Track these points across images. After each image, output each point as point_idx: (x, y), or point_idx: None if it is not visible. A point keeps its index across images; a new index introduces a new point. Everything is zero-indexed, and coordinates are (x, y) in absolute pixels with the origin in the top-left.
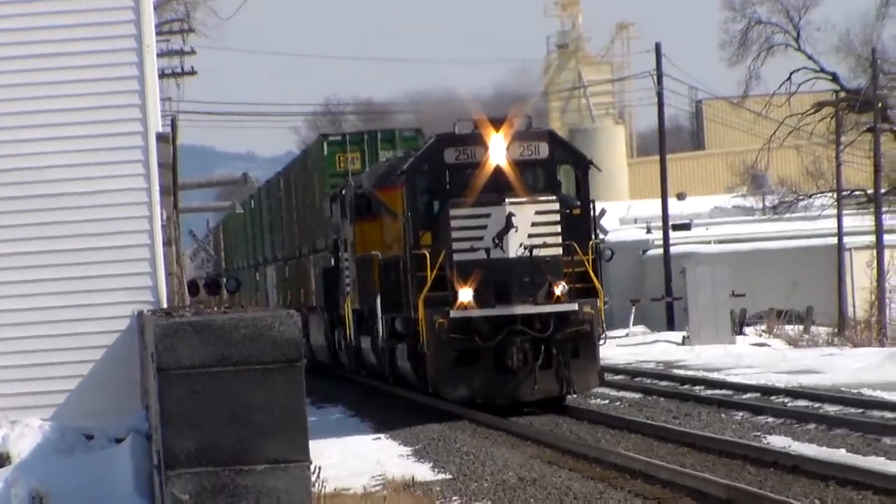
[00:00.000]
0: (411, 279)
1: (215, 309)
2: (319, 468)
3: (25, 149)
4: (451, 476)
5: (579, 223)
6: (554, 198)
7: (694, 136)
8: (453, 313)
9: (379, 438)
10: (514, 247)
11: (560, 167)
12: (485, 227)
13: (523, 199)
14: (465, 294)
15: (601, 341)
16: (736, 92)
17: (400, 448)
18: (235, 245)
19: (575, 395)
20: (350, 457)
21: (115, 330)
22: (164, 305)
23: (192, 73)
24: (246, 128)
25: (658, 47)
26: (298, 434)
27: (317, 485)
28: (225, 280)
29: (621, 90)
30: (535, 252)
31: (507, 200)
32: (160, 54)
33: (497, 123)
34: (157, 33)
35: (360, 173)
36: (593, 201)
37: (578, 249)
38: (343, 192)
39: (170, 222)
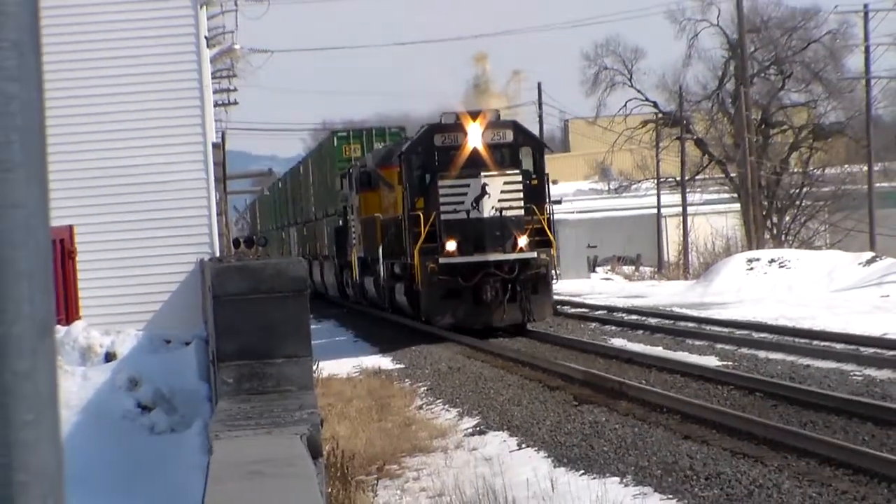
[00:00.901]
0: (408, 234)
1: (251, 257)
2: (319, 361)
3: (134, 153)
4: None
5: (536, 191)
6: (518, 171)
7: (563, 143)
8: (441, 259)
9: (375, 351)
10: (488, 209)
11: (521, 149)
12: (465, 194)
13: (494, 173)
14: (451, 245)
15: (554, 281)
16: (591, 113)
17: (374, 350)
18: (267, 214)
19: (534, 322)
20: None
21: (185, 271)
22: (217, 254)
23: (235, 103)
24: (271, 138)
25: (539, 85)
26: (304, 338)
27: (316, 372)
28: (257, 238)
29: (515, 115)
30: (504, 213)
31: (482, 174)
32: (214, 91)
33: (474, 115)
34: (213, 77)
35: (365, 156)
36: (547, 175)
37: (537, 211)
38: (350, 171)
39: (221, 200)
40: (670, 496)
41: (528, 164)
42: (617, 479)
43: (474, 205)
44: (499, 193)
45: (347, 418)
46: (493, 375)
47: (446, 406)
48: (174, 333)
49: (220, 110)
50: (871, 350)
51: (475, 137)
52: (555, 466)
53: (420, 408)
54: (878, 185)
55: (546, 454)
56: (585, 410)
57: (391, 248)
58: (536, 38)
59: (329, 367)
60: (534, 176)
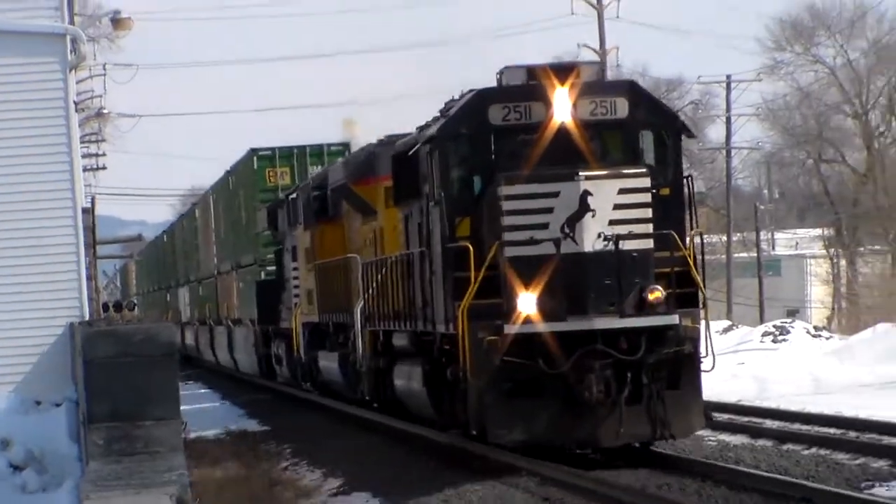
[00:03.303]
0: (441, 282)
1: (121, 321)
2: (186, 422)
3: (2, 217)
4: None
5: (669, 207)
6: (644, 170)
7: None
8: (510, 329)
9: None
10: (591, 237)
11: (643, 132)
12: (550, 210)
13: (603, 173)
14: (527, 302)
15: (707, 367)
16: None
17: None
18: (144, 276)
19: (672, 439)
20: None
21: (55, 333)
22: (87, 318)
23: (104, 168)
24: (140, 204)
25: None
26: (173, 401)
27: (184, 434)
28: (125, 303)
29: None
30: (622, 245)
31: (581, 174)
32: (83, 156)
33: (562, 73)
34: (81, 141)
35: (323, 171)
36: (689, 177)
37: (678, 241)
38: (291, 198)
39: (91, 265)
40: None
41: (652, 156)
42: None
43: (567, 230)
44: (610, 210)
45: None
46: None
47: None
48: (45, 395)
49: (89, 175)
50: (726, 416)
51: (564, 110)
52: None
53: None
54: (736, 255)
55: None
56: None
57: (381, 308)
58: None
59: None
60: (665, 180)
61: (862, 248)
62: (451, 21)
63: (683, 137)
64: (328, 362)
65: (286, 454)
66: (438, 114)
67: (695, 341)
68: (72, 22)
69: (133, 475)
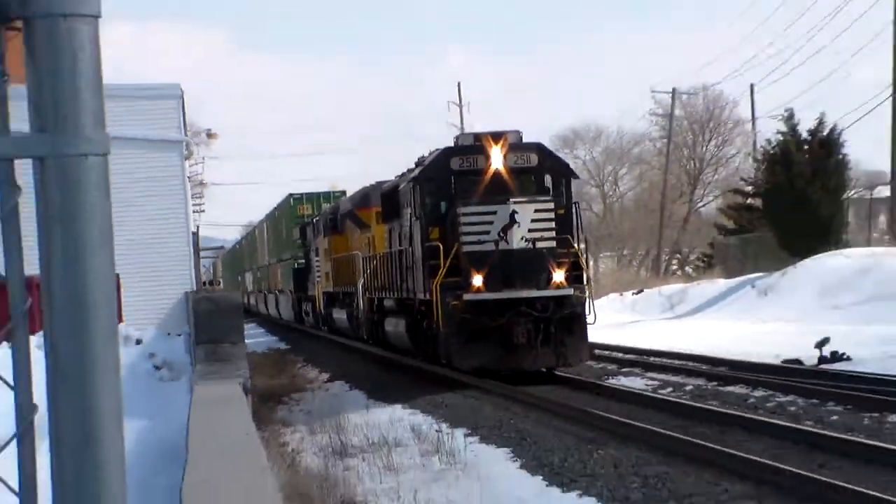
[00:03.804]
0: (423, 267)
1: (212, 291)
2: (246, 343)
3: (157, 241)
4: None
5: (565, 222)
6: (550, 198)
7: None
8: (467, 296)
9: (387, 402)
10: (517, 239)
11: (547, 174)
12: (491, 222)
13: (524, 199)
14: (477, 279)
15: (591, 322)
16: None
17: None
18: (227, 267)
19: (569, 366)
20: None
21: (178, 297)
22: (194, 289)
23: (203, 211)
24: (222, 228)
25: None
26: (240, 333)
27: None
28: (213, 281)
29: None
30: (537, 244)
31: (511, 200)
32: (193, 206)
33: (495, 137)
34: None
35: (339, 202)
36: (576, 204)
37: (572, 242)
38: (315, 220)
39: (196, 262)
40: None
41: (553, 191)
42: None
43: (502, 235)
44: (529, 222)
45: None
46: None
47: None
48: (173, 329)
49: (196, 215)
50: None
51: (497, 160)
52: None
53: None
54: None
55: None
56: None
57: (375, 283)
58: None
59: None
60: (562, 204)
61: (602, 254)
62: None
63: (572, 179)
64: (339, 315)
65: (301, 361)
66: (415, 164)
67: (583, 305)
68: (186, 134)
69: (219, 373)
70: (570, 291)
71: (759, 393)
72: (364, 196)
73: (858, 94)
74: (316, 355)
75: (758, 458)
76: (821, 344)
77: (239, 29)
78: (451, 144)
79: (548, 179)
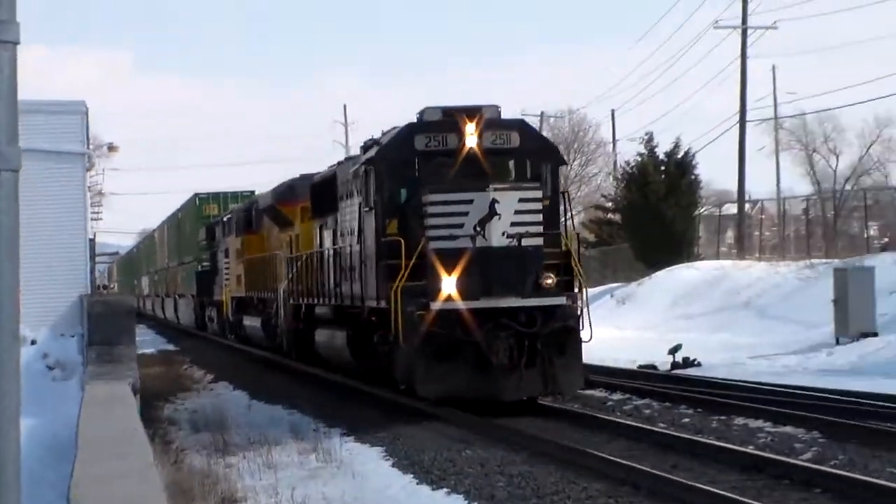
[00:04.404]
0: (377, 268)
1: (106, 294)
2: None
3: (56, 243)
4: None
5: (551, 214)
6: (538, 185)
7: None
8: (435, 305)
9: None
10: (498, 235)
11: (530, 157)
12: (466, 213)
13: (507, 185)
14: (449, 284)
15: (586, 339)
16: None
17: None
18: (122, 271)
19: (561, 395)
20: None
21: (74, 299)
22: (89, 292)
23: (101, 219)
24: (116, 235)
25: None
26: (131, 336)
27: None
28: (107, 286)
29: None
30: (523, 242)
31: (491, 186)
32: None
33: (470, 112)
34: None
35: (256, 197)
36: (566, 194)
37: (566, 239)
38: (226, 219)
39: (92, 267)
40: None
41: (537, 177)
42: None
43: (479, 229)
44: (512, 214)
45: None
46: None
47: None
48: (66, 330)
49: (93, 222)
50: None
51: (473, 139)
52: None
53: None
54: None
55: None
56: None
57: (303, 288)
58: None
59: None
60: (548, 194)
61: None
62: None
63: (559, 167)
64: (252, 323)
65: (188, 362)
66: (361, 148)
67: (577, 318)
68: (88, 147)
69: (110, 373)
70: (563, 300)
71: (617, 396)
72: (288, 189)
73: (710, 121)
74: (202, 356)
75: (615, 459)
76: (673, 350)
77: (140, 50)
78: (414, 120)
79: (531, 164)
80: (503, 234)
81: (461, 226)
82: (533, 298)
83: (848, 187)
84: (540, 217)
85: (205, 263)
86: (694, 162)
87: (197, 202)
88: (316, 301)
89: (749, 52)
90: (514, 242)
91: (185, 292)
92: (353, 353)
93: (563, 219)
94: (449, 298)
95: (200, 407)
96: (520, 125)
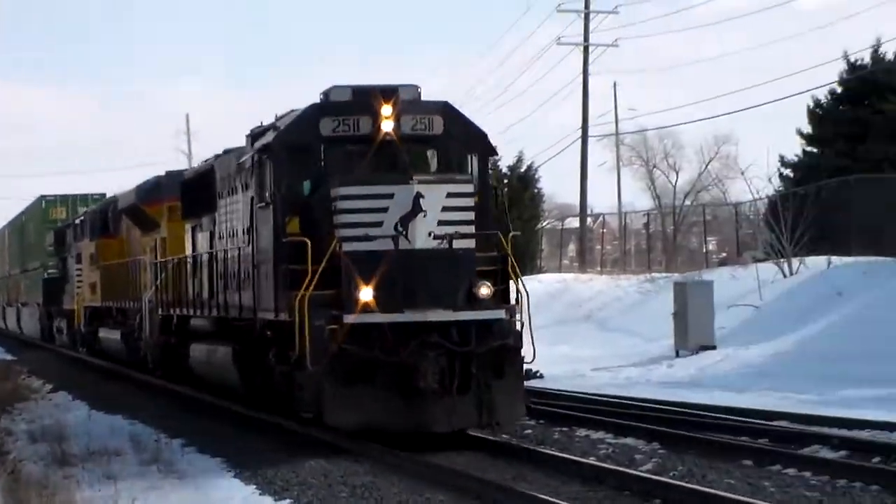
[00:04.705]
0: (276, 274)
1: None
2: None
3: None
4: None
5: (480, 213)
6: (469, 178)
7: None
8: (350, 318)
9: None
10: (423, 236)
11: (454, 146)
12: (384, 209)
13: (434, 178)
14: (366, 293)
15: (528, 361)
16: None
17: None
18: None
19: (498, 426)
20: None
21: None
22: None
23: None
24: None
25: None
26: None
27: None
28: None
29: None
30: (453, 243)
31: (415, 178)
32: None
33: (386, 92)
34: None
35: (104, 202)
36: (498, 189)
37: (503, 241)
38: (79, 221)
39: None
40: None
41: (463, 168)
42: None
43: (401, 228)
44: (439, 211)
45: None
46: None
47: None
48: None
49: None
50: None
51: (389, 123)
52: None
53: None
54: None
55: None
56: None
57: (173, 297)
58: None
59: None
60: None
61: None
62: None
63: (489, 157)
64: (110, 335)
65: (26, 372)
66: (249, 136)
67: (517, 335)
68: None
69: None
70: (501, 314)
71: None
72: (153, 188)
73: (553, 136)
74: (44, 368)
75: (459, 469)
76: None
77: None
78: (318, 101)
79: (455, 153)
80: (429, 234)
81: (379, 224)
82: (466, 311)
83: (687, 203)
84: (472, 215)
85: (51, 271)
86: (537, 176)
87: (43, 205)
88: (191, 312)
89: (591, 69)
90: (444, 244)
91: (30, 301)
92: (241, 373)
93: (500, 217)
94: (366, 310)
95: (38, 417)
96: (443, 108)
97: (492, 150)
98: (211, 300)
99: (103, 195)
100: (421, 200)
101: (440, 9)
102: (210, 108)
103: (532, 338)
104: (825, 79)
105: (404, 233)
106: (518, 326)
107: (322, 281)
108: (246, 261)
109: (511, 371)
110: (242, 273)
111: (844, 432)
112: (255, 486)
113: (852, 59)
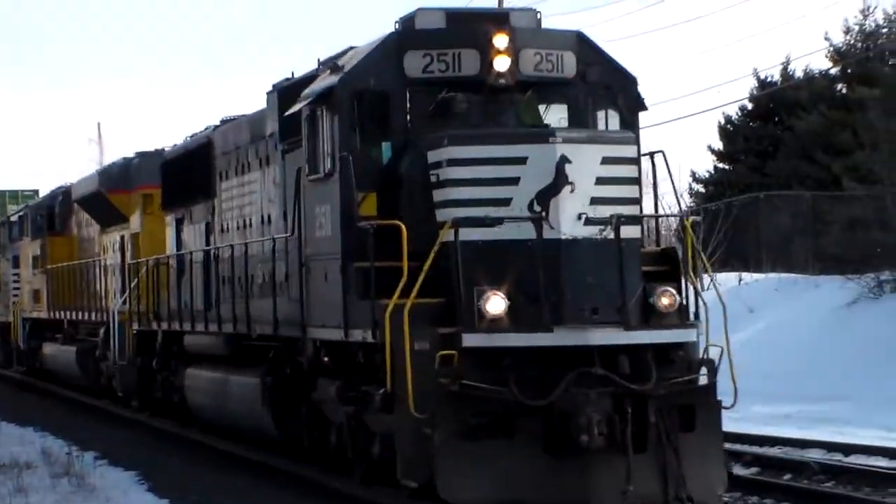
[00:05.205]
0: (344, 274)
1: None
2: None
3: None
4: None
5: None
6: (631, 136)
7: None
8: (473, 339)
9: None
10: (569, 219)
11: (594, 94)
12: (514, 180)
13: (585, 135)
14: (496, 304)
15: (727, 405)
16: None
17: None
18: None
19: None
20: None
21: None
22: None
23: None
24: None
25: None
26: None
27: None
28: None
29: None
30: (609, 231)
31: (558, 134)
32: None
33: (496, 18)
34: None
35: (51, 192)
36: (662, 152)
37: (689, 228)
38: (17, 217)
39: None
40: None
41: (602, 126)
42: None
43: (538, 208)
44: (592, 184)
45: None
46: None
47: None
48: None
49: None
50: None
51: (504, 61)
52: None
53: None
54: None
55: None
56: None
57: (159, 307)
58: None
59: None
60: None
61: None
62: None
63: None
64: (60, 353)
65: None
66: (271, 94)
67: (711, 365)
68: None
69: None
70: (693, 334)
71: None
72: (122, 171)
73: None
74: None
75: None
76: None
77: None
78: (395, 28)
79: (594, 104)
80: (579, 216)
81: (506, 202)
82: (643, 330)
83: None
84: (636, 190)
85: None
86: None
87: None
88: (185, 327)
89: None
90: (604, 232)
91: None
92: (275, 413)
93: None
94: (494, 327)
95: None
96: (577, 40)
97: (641, 103)
98: (221, 312)
99: (35, 192)
100: (567, 167)
101: None
102: (125, 113)
103: (732, 371)
104: (737, 95)
105: (544, 214)
106: (709, 352)
107: (423, 285)
108: (279, 257)
109: (707, 421)
110: (278, 274)
111: (756, 449)
112: (168, 501)
113: (762, 76)
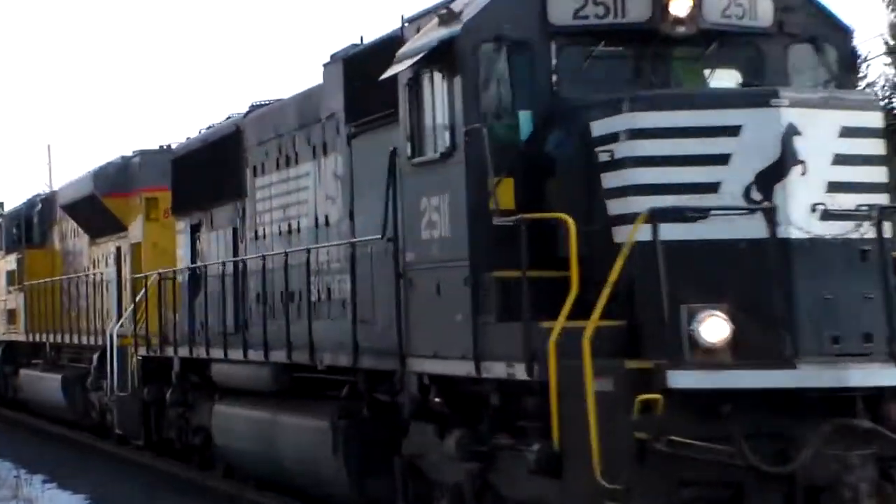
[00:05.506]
0: (475, 286)
1: None
2: None
3: None
4: None
5: None
6: (875, 100)
7: None
8: (683, 378)
9: None
10: (802, 210)
11: (792, 47)
12: (724, 158)
13: (818, 97)
14: (716, 328)
15: None
16: None
17: None
18: None
19: None
20: None
21: None
22: None
23: None
24: None
25: None
26: None
27: None
28: None
29: None
30: (854, 230)
31: (783, 95)
32: None
33: None
34: None
35: (35, 197)
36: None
37: None
38: None
39: None
40: None
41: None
42: None
43: (758, 196)
44: (829, 165)
45: None
46: None
47: None
48: None
49: None
50: None
51: (681, 4)
52: None
53: None
54: None
55: None
56: None
57: (179, 328)
58: None
59: None
60: None
61: None
62: None
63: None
64: (42, 381)
65: None
66: (330, 64)
67: None
68: None
69: None
70: None
71: None
72: (120, 172)
73: None
74: None
75: None
76: None
77: None
78: None
79: (797, 61)
80: (814, 208)
81: (713, 188)
82: None
83: None
84: (884, 172)
85: None
86: None
87: None
88: (216, 353)
89: None
90: (855, 230)
91: None
92: (353, 470)
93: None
94: (712, 361)
95: None
96: None
97: (855, 63)
98: (268, 336)
99: (1, 204)
100: (796, 141)
101: None
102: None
103: None
104: None
105: (770, 203)
106: None
107: (586, 302)
108: (364, 265)
109: None
110: (361, 291)
111: None
112: None
113: None
